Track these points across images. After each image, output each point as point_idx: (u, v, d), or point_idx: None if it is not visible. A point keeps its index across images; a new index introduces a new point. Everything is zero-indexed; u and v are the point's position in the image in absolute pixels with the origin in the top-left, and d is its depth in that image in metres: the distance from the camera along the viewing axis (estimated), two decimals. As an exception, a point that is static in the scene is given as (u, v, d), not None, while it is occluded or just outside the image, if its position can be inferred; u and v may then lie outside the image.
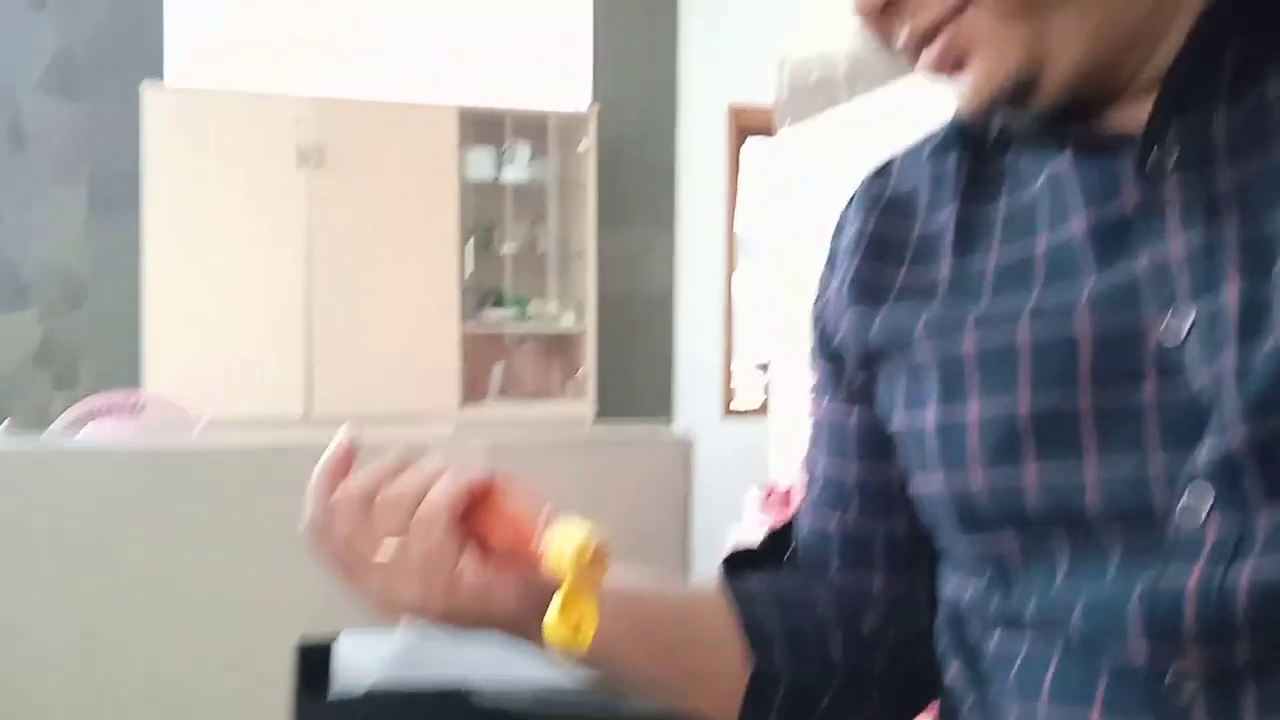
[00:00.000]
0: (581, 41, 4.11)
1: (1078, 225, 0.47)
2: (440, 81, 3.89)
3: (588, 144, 3.92)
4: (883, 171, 0.59)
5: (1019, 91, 0.45)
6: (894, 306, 0.54)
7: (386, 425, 3.43)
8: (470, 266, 3.89)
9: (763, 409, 3.78)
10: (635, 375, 4.24)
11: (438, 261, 3.78)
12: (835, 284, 0.58)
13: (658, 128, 4.21)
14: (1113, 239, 0.45)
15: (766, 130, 3.12)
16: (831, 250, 0.60)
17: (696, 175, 4.13)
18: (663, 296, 4.30)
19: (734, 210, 4.15)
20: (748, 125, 4.05)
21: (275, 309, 3.64)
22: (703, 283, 4.17)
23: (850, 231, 0.58)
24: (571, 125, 4.01)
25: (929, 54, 0.47)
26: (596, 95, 4.10)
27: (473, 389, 4.00)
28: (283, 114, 3.62)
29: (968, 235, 0.52)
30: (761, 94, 2.96)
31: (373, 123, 3.71)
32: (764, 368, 4.23)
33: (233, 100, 3.61)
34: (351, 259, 3.68)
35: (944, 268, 0.52)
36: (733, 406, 4.28)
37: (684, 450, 1.93)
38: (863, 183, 0.60)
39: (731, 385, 4.29)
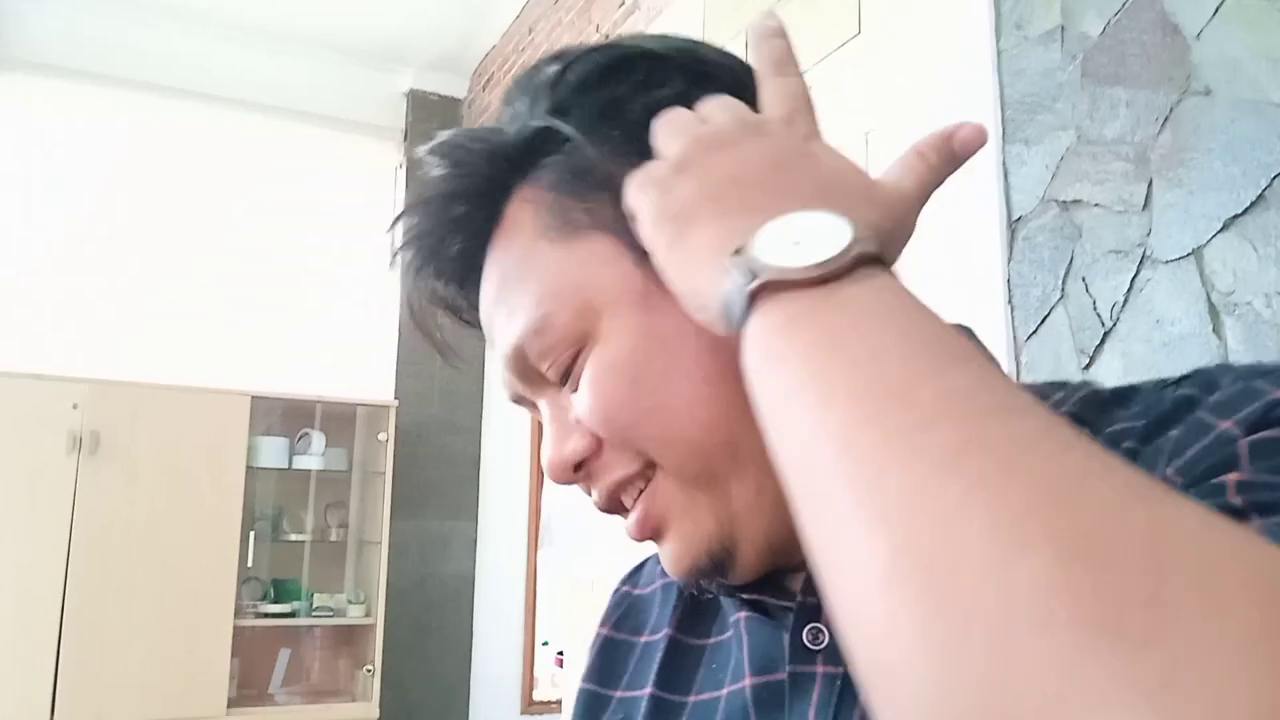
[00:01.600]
0: (388, 333, 4.15)
1: (749, 680, 0.50)
2: (234, 368, 3.81)
3: (387, 434, 3.87)
4: (634, 575, 0.64)
5: (717, 563, 0.48)
6: None
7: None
8: (252, 556, 3.67)
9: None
10: (429, 666, 4.02)
11: (216, 552, 3.56)
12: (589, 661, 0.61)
13: (463, 418, 4.22)
14: (771, 703, 0.48)
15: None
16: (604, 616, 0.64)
17: (501, 465, 4.12)
18: (463, 584, 4.17)
19: (538, 501, 4.13)
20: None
21: (24, 604, 3.31)
22: (505, 570, 4.08)
23: (599, 635, 0.62)
24: (377, 415, 3.98)
25: (630, 521, 0.49)
26: (402, 386, 4.10)
27: (248, 688, 3.68)
28: (59, 397, 3.44)
29: (673, 666, 0.55)
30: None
31: (156, 407, 3.56)
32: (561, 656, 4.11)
33: (3, 381, 3.41)
34: (116, 550, 3.42)
35: (643, 703, 0.55)
36: (535, 697, 4.08)
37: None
38: (622, 580, 0.65)
39: (534, 675, 4.11)
